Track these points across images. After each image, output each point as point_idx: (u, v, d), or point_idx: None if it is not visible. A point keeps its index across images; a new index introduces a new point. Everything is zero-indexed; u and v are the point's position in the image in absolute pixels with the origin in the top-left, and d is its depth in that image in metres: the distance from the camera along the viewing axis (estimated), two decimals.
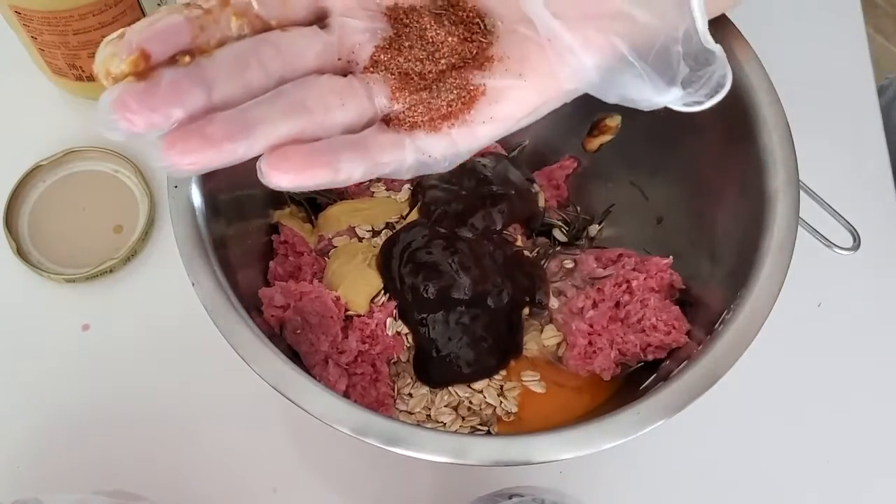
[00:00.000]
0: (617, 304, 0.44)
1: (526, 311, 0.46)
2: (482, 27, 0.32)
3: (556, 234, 0.50)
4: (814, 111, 0.50)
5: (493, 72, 0.32)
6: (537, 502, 0.39)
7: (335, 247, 0.47)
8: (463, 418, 0.44)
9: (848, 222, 0.47)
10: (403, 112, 0.32)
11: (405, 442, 0.34)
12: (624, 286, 0.44)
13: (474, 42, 0.32)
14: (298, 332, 0.42)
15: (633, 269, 0.44)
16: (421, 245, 0.45)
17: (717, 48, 0.31)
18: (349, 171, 0.29)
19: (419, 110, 0.32)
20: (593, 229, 0.51)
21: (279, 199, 0.48)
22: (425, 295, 0.43)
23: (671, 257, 0.44)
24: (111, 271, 0.51)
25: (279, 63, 0.29)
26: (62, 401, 0.48)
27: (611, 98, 0.32)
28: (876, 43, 1.33)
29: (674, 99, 0.32)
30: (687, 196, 0.47)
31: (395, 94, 0.32)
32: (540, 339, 0.46)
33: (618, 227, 0.51)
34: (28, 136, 0.54)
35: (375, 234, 0.47)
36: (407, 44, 0.32)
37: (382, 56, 0.32)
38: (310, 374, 0.38)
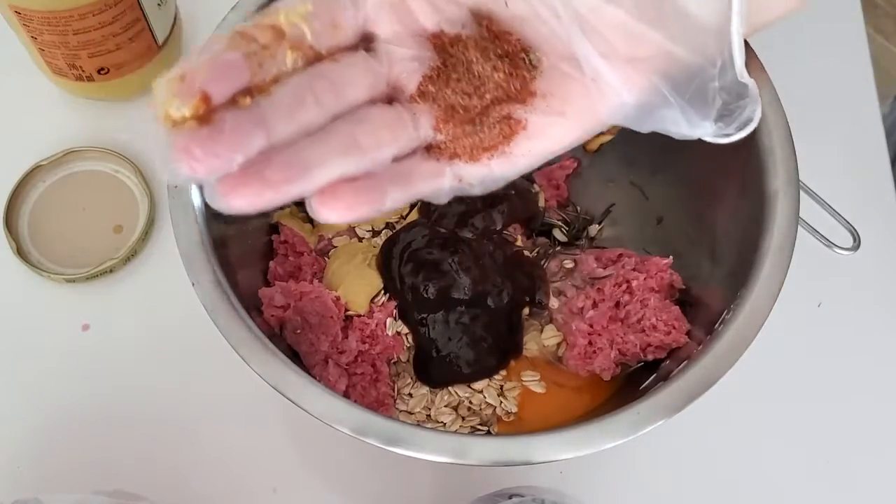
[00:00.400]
0: (617, 304, 0.44)
1: (526, 311, 0.46)
2: (527, 62, 0.32)
3: (556, 234, 0.50)
4: (814, 111, 0.50)
5: (535, 107, 0.32)
6: (537, 502, 0.39)
7: (335, 247, 0.47)
8: (463, 418, 0.44)
9: (848, 222, 0.47)
10: (445, 143, 0.32)
11: (405, 442, 0.34)
12: (624, 286, 0.44)
13: (518, 77, 0.32)
14: (298, 332, 0.42)
15: (633, 269, 0.44)
16: (421, 245, 0.45)
17: (751, 82, 0.32)
18: (393, 203, 0.30)
19: (462, 143, 0.32)
20: (593, 229, 0.51)
21: None
22: (425, 295, 0.43)
23: (671, 257, 0.44)
24: (111, 271, 0.51)
25: (333, 97, 0.30)
26: (62, 401, 0.48)
27: (645, 129, 0.33)
28: (876, 43, 1.32)
29: (706, 132, 0.32)
30: (687, 196, 0.47)
31: (439, 126, 0.32)
32: (540, 339, 0.46)
33: (618, 227, 0.51)
34: (28, 136, 0.54)
35: (375, 234, 0.47)
36: (454, 76, 0.32)
37: (430, 87, 0.32)
38: (310, 374, 0.38)
